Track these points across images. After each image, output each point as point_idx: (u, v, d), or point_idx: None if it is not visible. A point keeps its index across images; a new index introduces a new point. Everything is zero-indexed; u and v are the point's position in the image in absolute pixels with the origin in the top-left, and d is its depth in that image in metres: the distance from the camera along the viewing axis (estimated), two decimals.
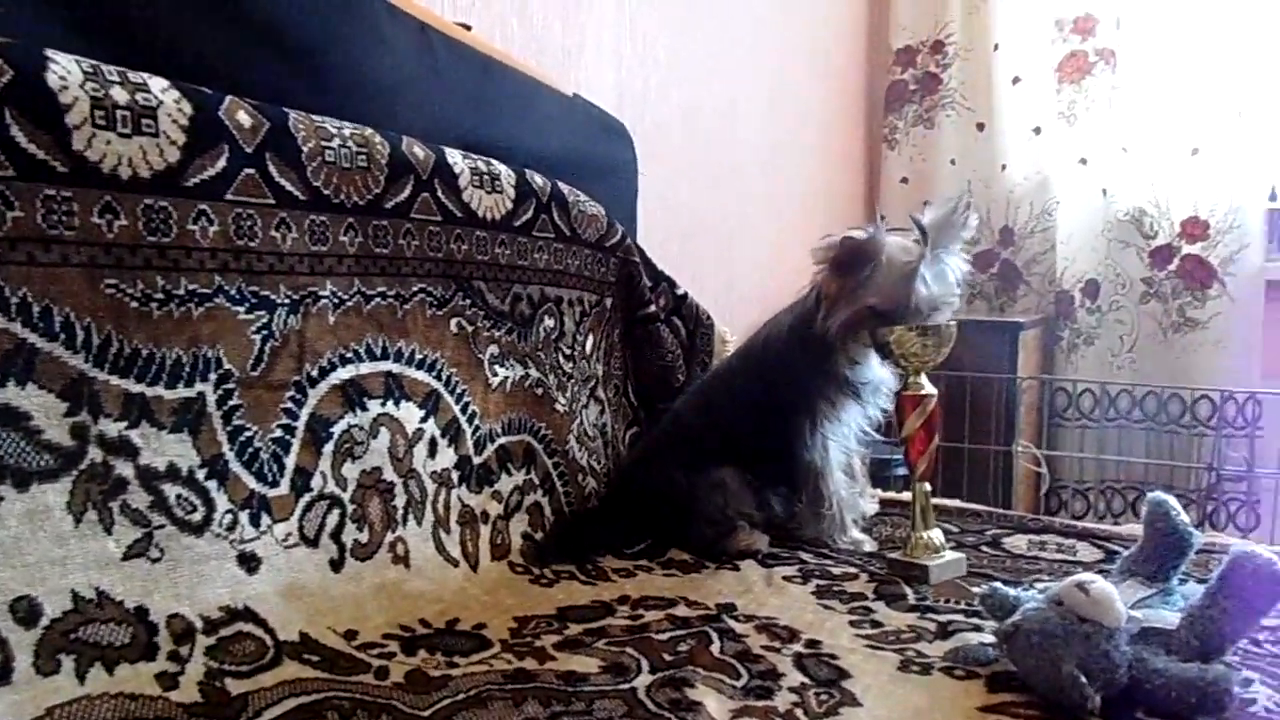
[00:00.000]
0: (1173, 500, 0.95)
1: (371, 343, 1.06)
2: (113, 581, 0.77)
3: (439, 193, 1.14)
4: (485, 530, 1.14)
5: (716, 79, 2.14)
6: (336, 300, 1.02)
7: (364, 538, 0.99)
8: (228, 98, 0.91)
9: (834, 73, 2.80)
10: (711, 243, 2.14)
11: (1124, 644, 0.79)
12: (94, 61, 0.81)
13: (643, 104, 1.88)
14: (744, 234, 2.28)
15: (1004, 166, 2.78)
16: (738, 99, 2.24)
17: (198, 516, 0.85)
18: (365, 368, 1.04)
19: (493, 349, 1.22)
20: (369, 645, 0.88)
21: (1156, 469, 2.53)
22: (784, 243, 2.42)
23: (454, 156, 1.17)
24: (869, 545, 1.27)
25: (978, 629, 0.96)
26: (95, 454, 0.78)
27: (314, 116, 1.01)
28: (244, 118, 0.92)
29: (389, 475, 1.04)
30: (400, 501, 1.05)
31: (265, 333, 0.94)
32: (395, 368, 1.08)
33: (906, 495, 1.22)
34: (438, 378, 1.13)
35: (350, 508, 0.99)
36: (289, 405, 0.96)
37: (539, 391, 1.29)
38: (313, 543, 0.94)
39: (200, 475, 0.86)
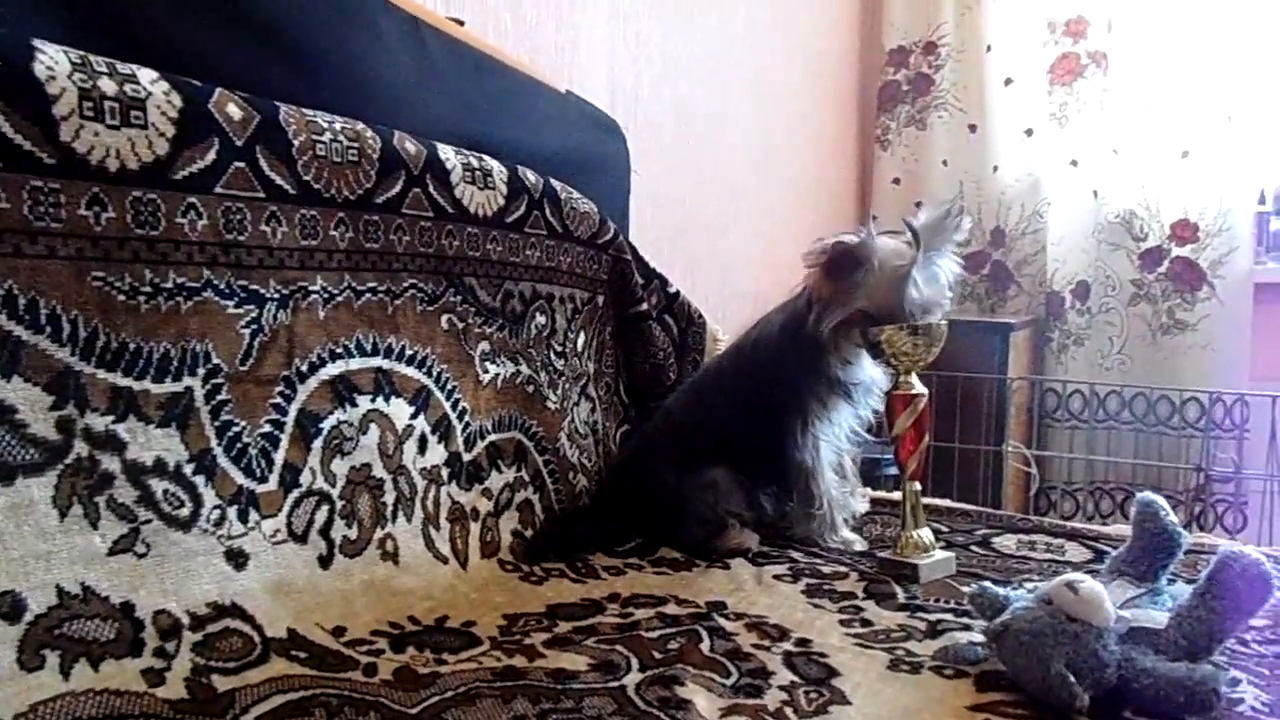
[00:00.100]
0: (1161, 500, 0.96)
1: (362, 338, 1.05)
2: (98, 577, 0.76)
3: (430, 188, 1.13)
4: (475, 527, 1.14)
5: (709, 77, 2.14)
6: (326, 295, 1.02)
7: (353, 534, 0.99)
8: (217, 90, 0.90)
9: (827, 72, 2.80)
10: (704, 241, 2.14)
11: (1112, 643, 0.79)
12: (82, 52, 0.80)
13: (635, 102, 1.88)
14: (736, 232, 2.28)
15: (995, 168, 2.79)
16: (730, 98, 2.24)
17: (185, 512, 0.84)
18: (355, 363, 1.04)
19: (484, 346, 1.22)
20: (357, 642, 0.88)
21: (1145, 470, 2.54)
22: (776, 241, 2.42)
23: (446, 152, 1.17)
24: (859, 544, 1.28)
25: (967, 628, 0.96)
26: (81, 448, 0.78)
27: (305, 110, 1.00)
28: (234, 110, 0.91)
29: (378, 471, 1.04)
30: (390, 498, 1.04)
31: (254, 327, 0.94)
32: (385, 364, 1.07)
33: (897, 494, 1.22)
34: (428, 374, 1.13)
35: (339, 504, 0.98)
36: (278, 400, 0.95)
37: (530, 389, 1.28)
38: (301, 539, 0.94)
39: (188, 470, 0.85)
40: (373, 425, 1.04)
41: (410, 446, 1.08)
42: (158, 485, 0.82)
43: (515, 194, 1.26)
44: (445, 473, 1.12)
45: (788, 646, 0.92)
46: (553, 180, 1.35)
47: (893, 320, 1.14)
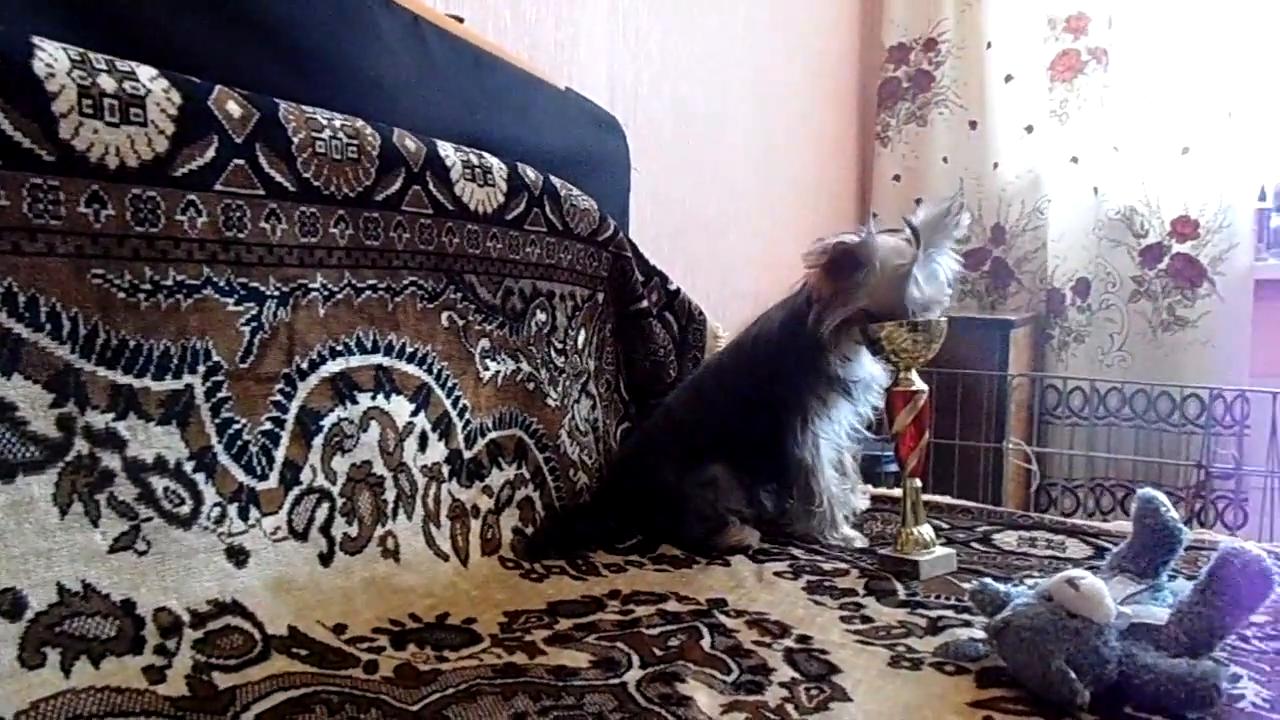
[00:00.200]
0: (1162, 497, 0.96)
1: (362, 336, 1.05)
2: (99, 574, 0.76)
3: (430, 185, 1.13)
4: (476, 525, 1.14)
5: (709, 74, 2.14)
6: (327, 293, 1.02)
7: (354, 531, 0.99)
8: (217, 87, 0.90)
9: (827, 69, 2.80)
10: (704, 238, 2.14)
11: (1113, 640, 0.79)
12: (81, 50, 0.80)
13: (635, 99, 1.88)
14: (736, 229, 2.28)
15: (996, 164, 2.79)
16: (730, 95, 2.24)
17: (186, 509, 0.84)
18: (355, 361, 1.04)
19: (484, 343, 1.22)
20: (358, 639, 0.88)
21: (1146, 466, 2.54)
22: (776, 238, 2.42)
23: (445, 149, 1.16)
24: (860, 541, 1.28)
25: (968, 624, 0.96)
26: (82, 445, 0.78)
27: (304, 107, 1.00)
28: (233, 108, 0.91)
29: (379, 469, 1.04)
30: (390, 495, 1.04)
31: (254, 325, 0.93)
32: (386, 361, 1.07)
33: (897, 491, 1.22)
34: (428, 371, 1.13)
35: (340, 501, 0.98)
36: (278, 398, 0.95)
37: (530, 386, 1.28)
38: (302, 536, 0.94)
39: (188, 468, 0.85)
40: (373, 423, 1.04)
41: (411, 444, 1.08)
42: (158, 483, 0.82)
43: (515, 191, 1.26)
44: (446, 470, 1.12)
45: (788, 643, 0.92)
46: (552, 177, 1.35)
47: (894, 319, 1.14)
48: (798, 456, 1.26)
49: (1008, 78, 2.75)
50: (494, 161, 1.24)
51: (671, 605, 1.02)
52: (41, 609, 0.72)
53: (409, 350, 1.11)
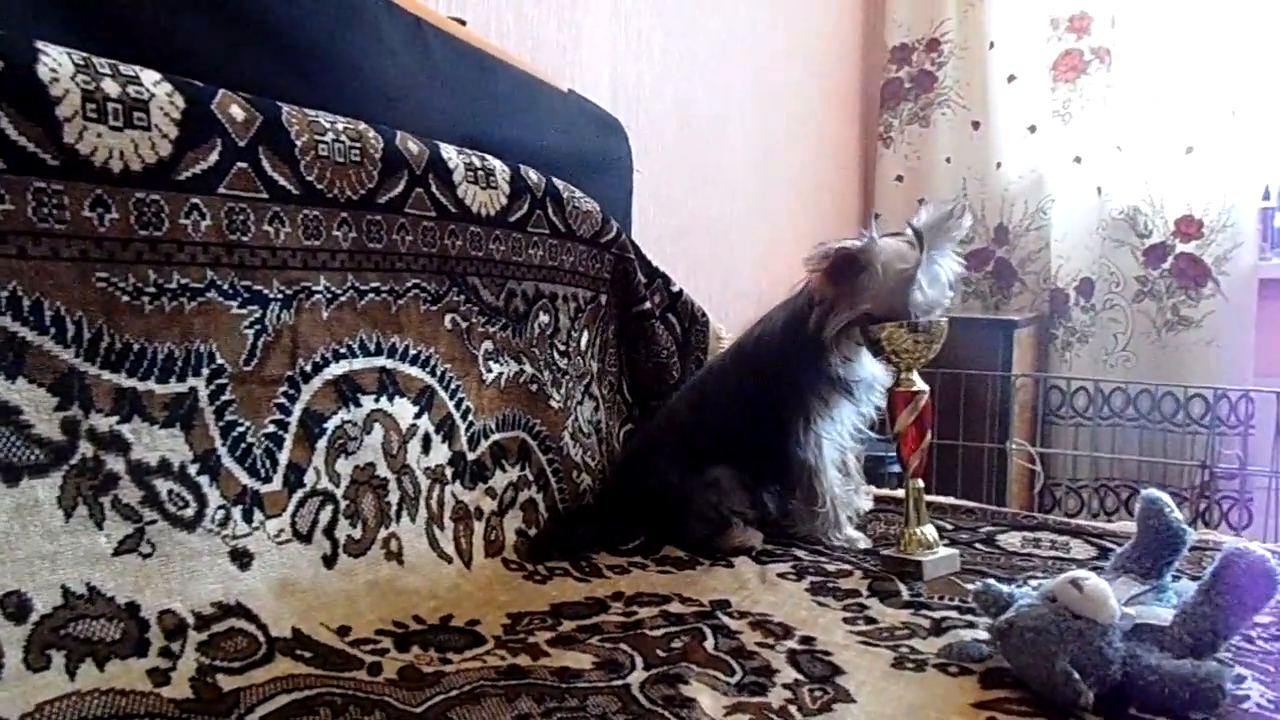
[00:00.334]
0: (1166, 497, 0.95)
1: (365, 338, 1.05)
2: (104, 577, 0.76)
3: (433, 188, 1.14)
4: (479, 527, 1.14)
5: (712, 76, 2.14)
6: (330, 295, 1.02)
7: (357, 534, 0.99)
8: (220, 91, 0.91)
9: (829, 70, 2.80)
10: (706, 239, 2.14)
11: (1117, 640, 0.79)
12: (85, 54, 0.81)
13: (637, 100, 1.88)
14: (739, 231, 2.28)
15: (999, 164, 2.78)
16: (733, 96, 2.24)
17: (190, 512, 0.84)
18: (359, 363, 1.04)
19: (487, 345, 1.22)
20: (362, 641, 0.88)
21: (1150, 467, 2.53)
22: (779, 239, 2.42)
23: (448, 151, 1.17)
24: (863, 542, 1.28)
25: (971, 625, 0.96)
26: (86, 449, 0.78)
27: (307, 111, 1.00)
28: (237, 111, 0.92)
29: (382, 471, 1.04)
30: (394, 498, 1.04)
31: (258, 328, 0.94)
32: (389, 363, 1.08)
33: (900, 492, 1.22)
34: (432, 374, 1.13)
35: (343, 504, 0.99)
36: (282, 401, 0.95)
37: (533, 388, 1.28)
38: (306, 539, 0.94)
39: (192, 470, 0.85)
40: (376, 425, 1.04)
41: (414, 446, 1.09)
42: (162, 485, 0.83)
43: (518, 193, 1.27)
44: (449, 472, 1.13)
45: (792, 644, 0.92)
46: (555, 179, 1.35)
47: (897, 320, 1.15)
48: (800, 457, 1.26)
49: (1010, 78, 2.75)
50: (497, 164, 1.24)
51: (675, 607, 1.02)
52: (46, 612, 0.72)
53: (412, 352, 1.11)
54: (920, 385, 1.17)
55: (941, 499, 1.51)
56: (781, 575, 1.14)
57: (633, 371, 1.54)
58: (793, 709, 0.78)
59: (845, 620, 0.99)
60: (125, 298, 0.83)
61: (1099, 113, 2.65)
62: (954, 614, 1.00)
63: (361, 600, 0.95)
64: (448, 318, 1.17)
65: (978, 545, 1.27)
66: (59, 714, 0.69)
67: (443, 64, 1.28)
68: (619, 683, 0.82)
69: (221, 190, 0.90)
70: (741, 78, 2.27)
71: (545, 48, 1.63)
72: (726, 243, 2.23)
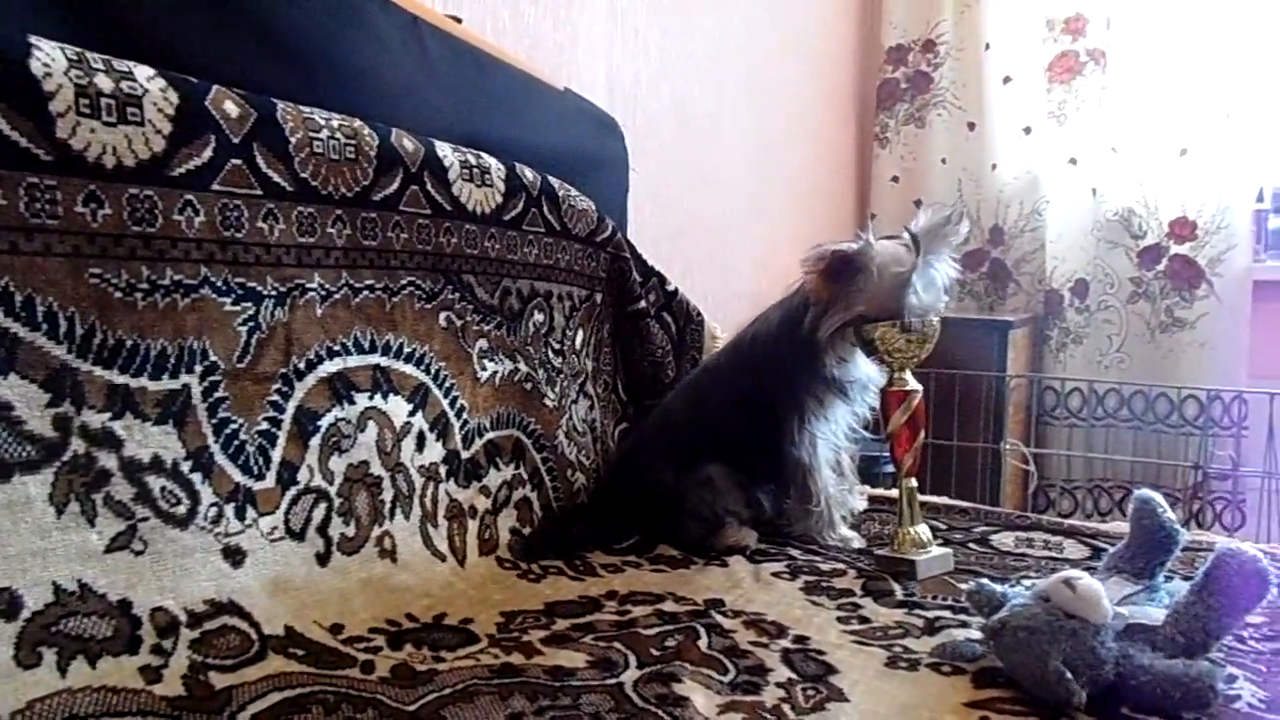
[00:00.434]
0: (1159, 498, 0.96)
1: (359, 336, 1.05)
2: (95, 574, 0.76)
3: (428, 185, 1.13)
4: (473, 525, 1.14)
5: (708, 75, 2.14)
6: (324, 292, 1.02)
7: (351, 531, 0.99)
8: (214, 87, 0.90)
9: (826, 70, 2.80)
10: (702, 239, 2.14)
11: (1110, 640, 0.79)
12: (78, 49, 0.80)
13: (634, 99, 1.88)
14: (735, 230, 2.28)
15: (994, 166, 2.79)
16: (729, 96, 2.24)
17: (182, 509, 0.84)
18: (353, 361, 1.04)
19: (482, 343, 1.22)
20: (355, 639, 0.88)
21: (1143, 467, 2.54)
22: (775, 239, 2.42)
23: (443, 149, 1.16)
24: (857, 542, 1.28)
25: (965, 625, 0.96)
26: (78, 445, 0.78)
27: (302, 108, 1.00)
28: (231, 108, 0.91)
29: (376, 469, 1.04)
30: (388, 495, 1.04)
31: (252, 324, 0.93)
32: (383, 361, 1.07)
33: (895, 492, 1.22)
34: (426, 371, 1.13)
35: (337, 501, 0.98)
36: (275, 398, 0.95)
37: (528, 386, 1.28)
38: (299, 536, 0.94)
39: (185, 467, 0.85)
40: (371, 423, 1.04)
41: (408, 444, 1.08)
42: (155, 482, 0.82)
43: (513, 191, 1.26)
44: (443, 470, 1.12)
45: (786, 643, 0.92)
46: (551, 178, 1.35)
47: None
48: (795, 456, 1.26)
49: (1006, 79, 2.75)
50: (492, 162, 1.24)
51: (669, 606, 1.02)
52: (38, 609, 0.72)
53: (406, 350, 1.10)
54: (914, 385, 1.17)
55: (935, 499, 1.51)
56: (776, 574, 1.14)
57: (628, 370, 1.54)
58: (786, 708, 0.78)
59: (839, 619, 0.99)
60: (118, 294, 0.82)
61: (1094, 114, 2.66)
62: (947, 613, 1.00)
63: (355, 598, 0.94)
64: (442, 315, 1.16)
65: (971, 545, 1.27)
66: (50, 711, 0.68)
67: (439, 62, 1.27)
68: (612, 681, 0.81)
69: (215, 186, 0.90)
70: (738, 77, 2.27)
71: (541, 46, 1.63)
72: (722, 242, 2.23)
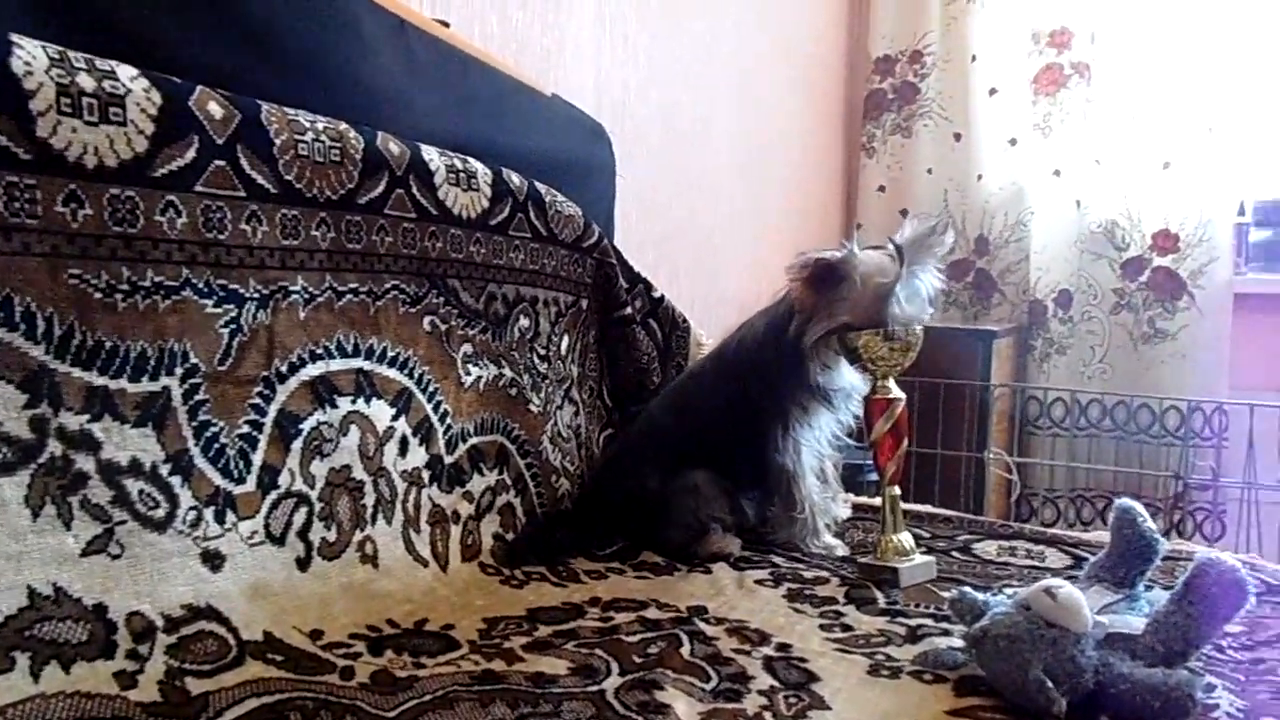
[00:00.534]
0: (1139, 507, 0.96)
1: (343, 339, 1.04)
2: (71, 578, 0.75)
3: (414, 189, 1.13)
4: (456, 530, 1.13)
5: (696, 83, 2.14)
6: (307, 295, 1.01)
7: (332, 536, 0.98)
8: (198, 88, 0.90)
9: (814, 80, 2.81)
10: (689, 246, 2.14)
11: (1090, 649, 0.79)
12: (60, 48, 0.80)
13: (622, 106, 1.88)
14: (722, 238, 2.28)
15: (980, 176, 2.81)
16: (717, 103, 2.24)
17: (160, 513, 0.83)
18: (336, 364, 1.03)
19: (466, 348, 1.21)
20: (335, 645, 0.87)
21: (1125, 477, 2.56)
22: (761, 247, 2.43)
23: (430, 153, 1.16)
24: (841, 549, 1.28)
25: (947, 633, 0.96)
26: (55, 447, 0.77)
27: (287, 109, 1.00)
28: (215, 109, 0.91)
29: (358, 473, 1.03)
30: (370, 500, 1.04)
31: (233, 327, 0.93)
32: (367, 365, 1.07)
33: (878, 500, 1.22)
34: (410, 376, 1.12)
35: (318, 506, 0.98)
36: (257, 401, 0.94)
37: (513, 391, 1.28)
38: (279, 541, 0.93)
39: (164, 471, 0.84)
40: (353, 427, 1.03)
41: (391, 448, 1.08)
42: (133, 485, 0.81)
43: (499, 196, 1.26)
44: (426, 475, 1.12)
45: (768, 651, 0.91)
46: (537, 183, 1.35)
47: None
48: (779, 463, 1.26)
49: (992, 91, 2.77)
50: (478, 166, 1.24)
51: (652, 612, 1.02)
52: (11, 613, 0.71)
53: (390, 354, 1.10)
54: (897, 393, 1.18)
55: (919, 507, 1.51)
56: (759, 582, 1.14)
57: (613, 376, 1.54)
58: (768, 715, 0.78)
59: (822, 627, 0.99)
60: (98, 295, 0.82)
61: (1078, 127, 2.68)
62: (929, 621, 1.00)
63: (335, 604, 0.94)
64: (427, 320, 1.16)
65: (954, 553, 1.27)
66: (23, 717, 0.67)
67: (425, 66, 1.27)
68: (594, 688, 0.81)
69: (198, 188, 0.90)
70: (726, 85, 2.28)
71: (529, 51, 1.63)
72: (709, 249, 2.23)
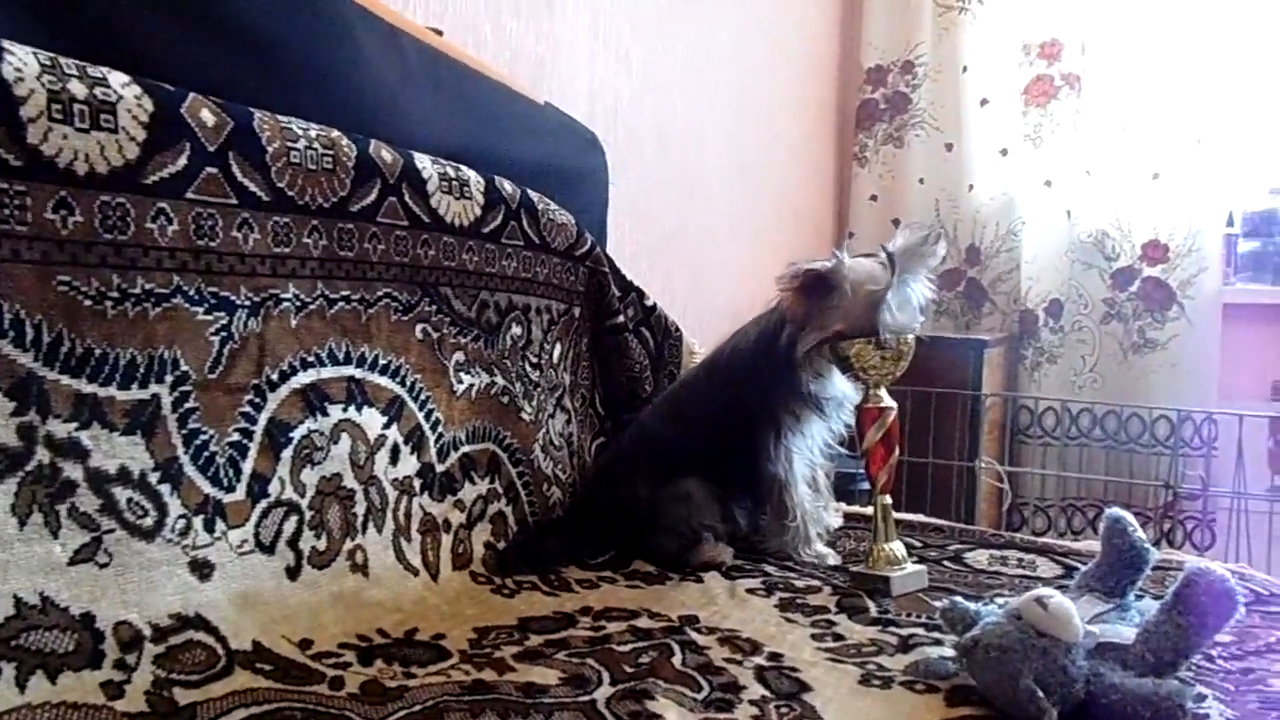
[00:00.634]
0: (1130, 517, 0.96)
1: (334, 347, 1.04)
2: (58, 587, 0.75)
3: (406, 197, 1.13)
4: (447, 539, 1.13)
5: (689, 92, 2.15)
6: (299, 303, 1.01)
7: (322, 545, 0.98)
8: (190, 95, 0.90)
9: (806, 89, 2.83)
10: (682, 255, 2.14)
11: (1081, 659, 0.79)
12: (51, 54, 0.79)
13: (615, 115, 1.88)
14: (714, 247, 2.29)
15: (971, 186, 2.82)
16: (710, 113, 2.25)
17: (149, 521, 0.83)
18: (327, 372, 1.03)
19: (458, 356, 1.21)
20: (324, 655, 0.87)
21: (1116, 486, 2.57)
22: (754, 256, 2.43)
23: (422, 161, 1.16)
24: (832, 558, 1.28)
25: (938, 643, 0.96)
26: (43, 455, 0.76)
27: (279, 117, 0.99)
28: (207, 116, 0.91)
29: (349, 482, 1.03)
30: (360, 509, 1.03)
31: (224, 334, 0.92)
32: (358, 373, 1.06)
33: (870, 509, 1.22)
34: (401, 384, 1.12)
35: (309, 514, 0.97)
36: (247, 409, 0.94)
37: (505, 400, 1.28)
38: (269, 550, 0.92)
39: (153, 479, 0.84)
40: (344, 435, 1.03)
41: (382, 457, 1.07)
42: (121, 494, 0.81)
43: (492, 204, 1.26)
44: (417, 484, 1.11)
45: (760, 661, 0.91)
46: (530, 191, 1.35)
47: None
48: (771, 471, 1.26)
49: (983, 101, 2.79)
50: (471, 174, 1.24)
51: (643, 622, 1.01)
52: None
53: (382, 362, 1.10)
54: (888, 402, 1.18)
55: (910, 516, 1.51)
56: (751, 591, 1.14)
57: (605, 385, 1.54)
58: None
59: (813, 636, 0.99)
60: (87, 302, 0.81)
61: (1069, 138, 2.70)
62: (921, 631, 1.00)
63: (325, 613, 0.93)
64: (419, 328, 1.16)
65: (946, 563, 1.28)
66: None
67: (419, 74, 1.27)
68: (585, 698, 0.81)
69: (190, 195, 0.89)
70: (719, 94, 2.29)
71: (522, 60, 1.63)
72: (702, 258, 2.23)
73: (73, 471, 0.78)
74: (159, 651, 0.78)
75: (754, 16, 2.44)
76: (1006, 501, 2.59)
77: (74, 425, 0.79)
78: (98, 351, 0.81)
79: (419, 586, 1.05)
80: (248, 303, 0.95)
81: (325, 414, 1.01)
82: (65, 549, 0.76)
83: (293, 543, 0.95)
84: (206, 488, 0.88)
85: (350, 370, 1.05)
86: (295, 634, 0.88)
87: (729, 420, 1.28)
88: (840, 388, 1.25)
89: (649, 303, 1.62)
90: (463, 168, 1.23)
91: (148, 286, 0.86)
